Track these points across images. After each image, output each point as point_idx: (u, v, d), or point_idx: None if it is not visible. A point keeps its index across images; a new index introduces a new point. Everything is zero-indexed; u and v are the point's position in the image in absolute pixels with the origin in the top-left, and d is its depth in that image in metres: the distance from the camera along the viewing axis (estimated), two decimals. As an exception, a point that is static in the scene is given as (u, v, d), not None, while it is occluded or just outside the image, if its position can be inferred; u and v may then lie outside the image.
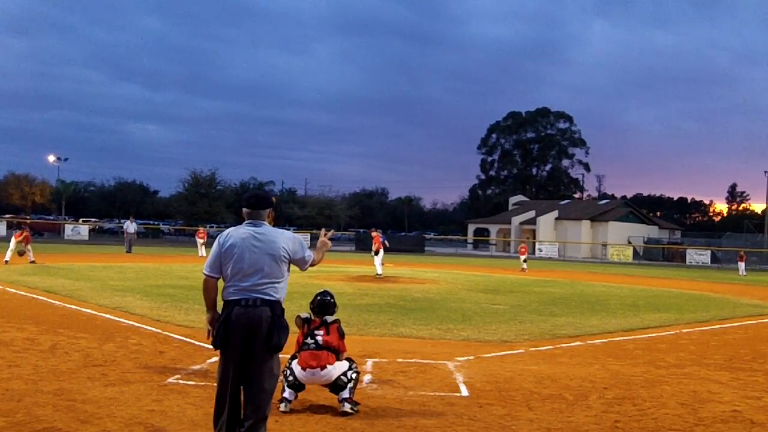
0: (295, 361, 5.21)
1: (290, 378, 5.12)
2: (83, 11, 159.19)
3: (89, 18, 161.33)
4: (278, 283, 3.95)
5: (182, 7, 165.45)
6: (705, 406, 5.66)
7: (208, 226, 38.99)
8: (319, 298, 5.47)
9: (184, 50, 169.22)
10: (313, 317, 5.36)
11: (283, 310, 3.97)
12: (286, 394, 5.11)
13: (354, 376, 5.22)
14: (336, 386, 5.13)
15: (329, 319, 5.32)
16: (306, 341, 5.20)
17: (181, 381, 5.95)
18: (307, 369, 5.08)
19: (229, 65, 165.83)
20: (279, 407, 5.00)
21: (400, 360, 7.22)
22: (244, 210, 4.03)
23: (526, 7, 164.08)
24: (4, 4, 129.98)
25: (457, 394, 5.84)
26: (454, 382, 6.28)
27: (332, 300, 5.48)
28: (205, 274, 4.00)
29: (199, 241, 31.13)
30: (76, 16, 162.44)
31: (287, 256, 3.97)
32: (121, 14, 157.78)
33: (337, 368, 5.15)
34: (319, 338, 5.18)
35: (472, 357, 7.61)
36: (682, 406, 5.65)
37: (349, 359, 5.37)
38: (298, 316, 5.29)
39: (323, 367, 5.07)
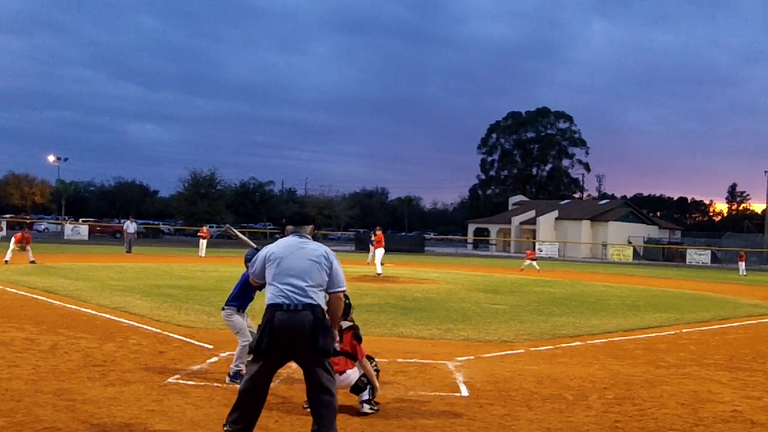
0: None
1: None
2: (83, 11, 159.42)
3: (89, 18, 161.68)
4: (319, 288, 4.14)
5: (181, 7, 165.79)
6: (705, 406, 5.66)
7: (208, 226, 38.88)
8: None
9: (184, 50, 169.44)
10: None
11: (325, 314, 4.13)
12: None
13: (374, 373, 5.23)
14: (356, 387, 5.15)
15: (344, 325, 5.27)
16: None
17: (181, 381, 5.94)
18: None
19: (229, 65, 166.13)
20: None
21: (400, 360, 7.22)
22: (288, 227, 4.39)
23: (525, 6, 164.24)
24: (3, 4, 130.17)
25: (457, 394, 5.84)
26: (454, 382, 6.28)
27: (347, 302, 5.35)
28: (251, 281, 4.49)
29: (202, 241, 30.53)
30: (75, 16, 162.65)
31: (328, 266, 4.18)
32: (121, 14, 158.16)
33: (357, 371, 5.16)
34: (336, 345, 5.10)
35: (472, 357, 7.61)
36: (682, 406, 5.65)
37: (368, 357, 5.37)
38: None
39: (342, 372, 5.06)
